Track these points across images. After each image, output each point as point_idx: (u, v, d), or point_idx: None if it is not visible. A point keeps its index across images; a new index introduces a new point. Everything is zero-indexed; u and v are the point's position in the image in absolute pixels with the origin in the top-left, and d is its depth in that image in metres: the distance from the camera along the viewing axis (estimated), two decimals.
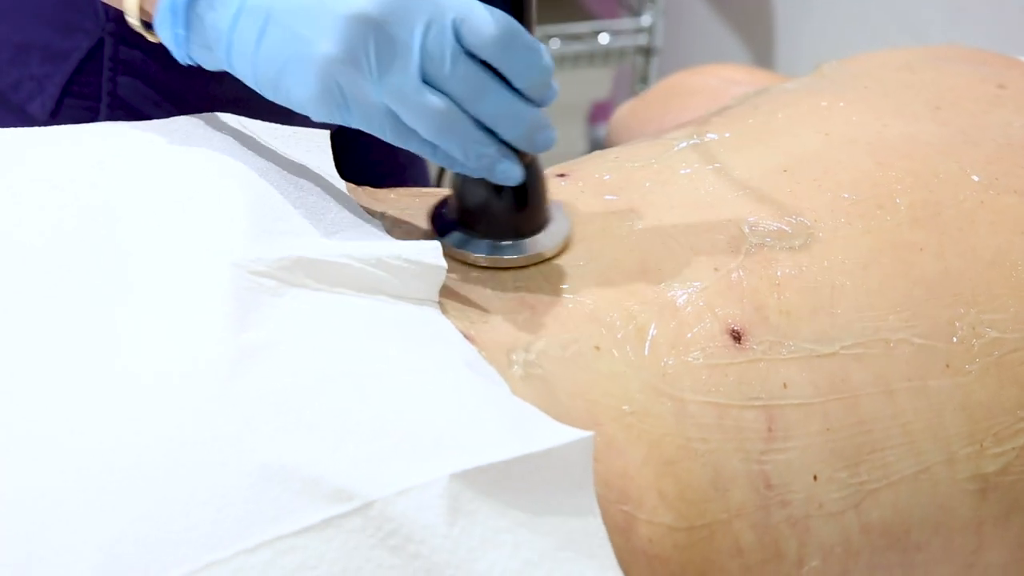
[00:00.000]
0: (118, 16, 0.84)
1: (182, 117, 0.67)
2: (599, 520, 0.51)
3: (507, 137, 0.60)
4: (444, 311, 0.59)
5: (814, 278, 0.63)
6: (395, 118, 0.59)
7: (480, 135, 0.59)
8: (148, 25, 0.66)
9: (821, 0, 1.89)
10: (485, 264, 0.64)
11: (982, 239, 0.65)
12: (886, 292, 0.63)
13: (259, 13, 0.58)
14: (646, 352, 0.60)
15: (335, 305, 0.56)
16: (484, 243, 0.64)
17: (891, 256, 0.64)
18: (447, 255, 0.61)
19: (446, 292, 0.60)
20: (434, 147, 0.60)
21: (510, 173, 0.61)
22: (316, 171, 0.66)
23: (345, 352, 0.53)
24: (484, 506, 0.48)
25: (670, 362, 0.60)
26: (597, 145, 2.02)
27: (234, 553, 0.45)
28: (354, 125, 0.60)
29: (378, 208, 0.67)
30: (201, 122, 0.67)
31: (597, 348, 0.59)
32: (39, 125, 0.76)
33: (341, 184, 0.67)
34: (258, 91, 0.61)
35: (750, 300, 0.62)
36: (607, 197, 0.68)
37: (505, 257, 0.64)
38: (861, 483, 0.60)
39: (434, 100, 0.57)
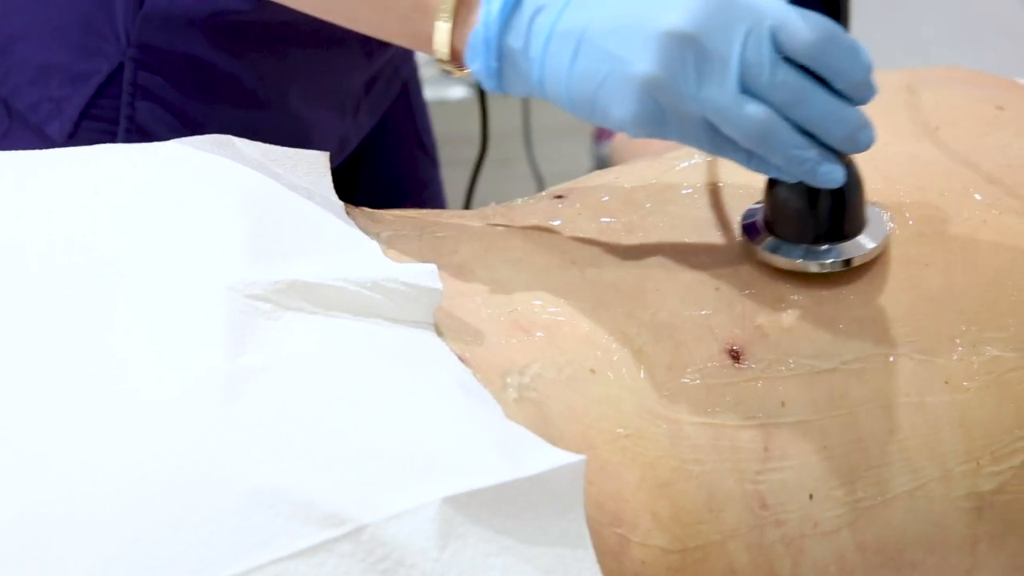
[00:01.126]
0: (140, 41, 0.87)
1: (183, 139, 0.68)
2: (588, 545, 0.51)
3: (829, 140, 0.60)
4: (440, 333, 0.59)
5: (818, 292, 0.63)
6: (713, 129, 0.59)
7: (801, 140, 0.59)
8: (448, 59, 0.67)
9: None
10: (799, 270, 0.63)
11: (985, 257, 0.66)
12: (890, 306, 0.63)
13: (571, 37, 0.59)
14: (641, 375, 0.60)
15: (330, 329, 0.56)
16: (799, 248, 0.64)
17: (897, 270, 0.64)
18: (761, 261, 0.63)
19: (442, 314, 0.60)
20: (750, 154, 0.60)
21: (833, 176, 0.60)
22: (314, 193, 0.66)
23: (339, 376, 0.53)
24: (475, 530, 0.48)
25: (666, 384, 0.60)
26: (602, 163, 2.02)
27: None
28: (671, 139, 0.61)
29: (375, 229, 0.67)
30: (202, 144, 0.67)
31: (592, 371, 0.60)
32: (56, 147, 0.76)
33: (339, 206, 0.67)
34: (572, 112, 0.61)
35: (751, 319, 0.62)
36: (604, 219, 0.68)
37: (822, 262, 0.63)
38: (857, 501, 0.60)
39: (754, 110, 0.57)
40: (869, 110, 0.80)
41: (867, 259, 0.64)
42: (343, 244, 0.62)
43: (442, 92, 1.75)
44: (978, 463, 0.62)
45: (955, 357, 0.62)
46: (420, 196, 1.20)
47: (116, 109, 0.89)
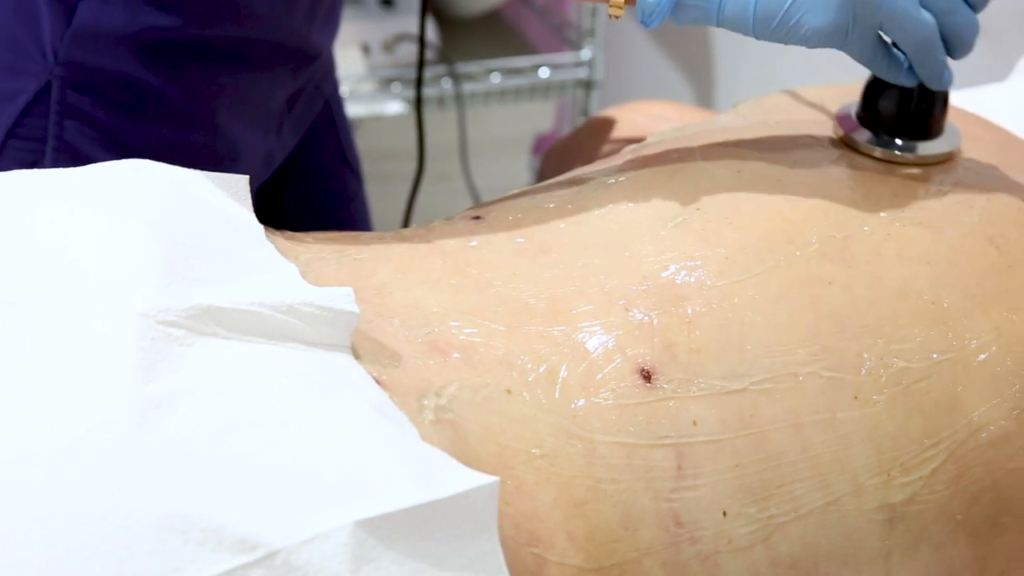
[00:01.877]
0: (67, 59, 0.87)
1: (99, 164, 0.68)
2: (503, 566, 0.51)
3: (959, 46, 0.72)
4: (357, 356, 0.60)
5: (724, 315, 0.64)
6: (881, 41, 0.71)
7: (942, 46, 0.71)
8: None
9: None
10: (901, 160, 0.75)
11: (889, 270, 0.67)
12: (795, 326, 0.64)
13: None
14: (556, 395, 0.61)
15: (244, 354, 0.56)
16: (894, 143, 0.76)
17: (800, 291, 0.65)
18: (861, 152, 0.76)
19: (359, 337, 0.61)
20: (894, 63, 0.72)
21: (950, 79, 0.74)
22: (234, 216, 0.66)
23: (252, 401, 0.53)
24: (388, 553, 0.49)
25: (580, 404, 0.60)
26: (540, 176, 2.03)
27: None
28: (847, 50, 0.70)
29: (294, 252, 0.67)
30: (119, 169, 0.67)
31: (508, 391, 0.60)
32: None
33: (259, 229, 0.67)
34: (747, 30, 0.69)
35: (660, 339, 0.63)
36: (519, 240, 0.69)
37: (925, 154, 0.75)
38: (770, 517, 0.61)
39: (927, 16, 0.69)
40: (779, 125, 0.82)
41: (948, 157, 0.76)
42: (260, 268, 0.62)
43: (378, 108, 1.75)
44: (889, 475, 0.63)
45: (863, 372, 0.63)
46: (347, 210, 1.21)
47: (43, 128, 0.89)
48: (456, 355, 0.61)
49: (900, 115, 0.76)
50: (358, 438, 0.52)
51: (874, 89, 0.77)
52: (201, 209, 0.65)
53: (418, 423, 0.57)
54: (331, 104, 1.17)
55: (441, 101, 1.79)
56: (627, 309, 0.64)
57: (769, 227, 0.68)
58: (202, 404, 0.52)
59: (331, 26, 1.06)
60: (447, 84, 1.78)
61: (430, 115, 1.81)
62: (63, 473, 0.48)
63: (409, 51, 1.81)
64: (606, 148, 1.03)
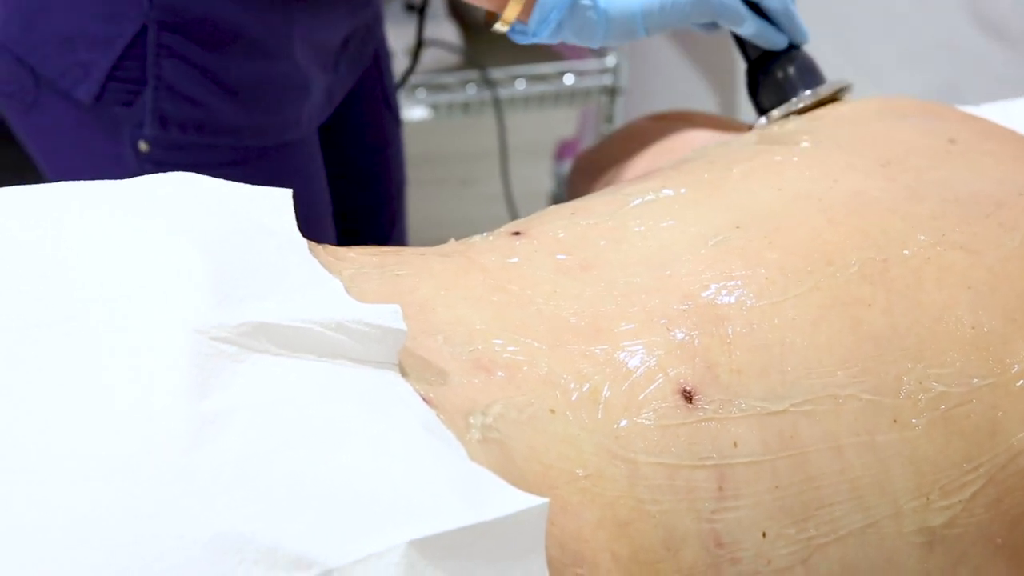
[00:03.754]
0: (161, 4, 0.95)
1: (148, 176, 0.68)
2: None
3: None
4: (404, 374, 0.60)
5: (764, 336, 0.65)
6: (756, 8, 0.88)
7: None
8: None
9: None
10: (803, 107, 0.88)
11: (928, 295, 0.67)
12: (835, 348, 0.65)
13: None
14: (599, 415, 0.61)
15: (295, 371, 0.57)
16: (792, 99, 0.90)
17: (840, 312, 0.66)
18: (774, 123, 0.87)
19: (405, 354, 0.61)
20: (765, 24, 0.90)
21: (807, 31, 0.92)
22: (278, 231, 0.67)
23: (304, 419, 0.54)
24: (438, 574, 0.49)
25: (623, 424, 0.61)
26: (562, 182, 2.04)
27: None
28: (720, 18, 0.87)
29: (338, 268, 0.68)
30: (166, 182, 0.68)
31: (552, 411, 0.61)
32: (84, 109, 0.96)
33: (303, 244, 0.68)
34: (636, 25, 0.85)
35: (702, 359, 0.63)
36: (559, 256, 0.69)
37: (824, 94, 0.89)
38: (809, 539, 0.62)
39: None
40: (820, 144, 0.82)
41: (841, 89, 0.90)
42: (307, 284, 0.63)
43: (403, 113, 1.75)
44: (928, 499, 0.63)
45: (902, 395, 0.64)
46: (384, 153, 1.31)
47: (141, 69, 0.96)
48: (500, 373, 0.62)
49: (786, 78, 0.89)
50: (409, 457, 0.53)
51: (754, 78, 0.91)
52: (247, 224, 0.66)
53: (465, 442, 0.57)
54: (379, 51, 1.25)
55: (466, 107, 1.80)
56: (668, 328, 0.64)
57: (809, 247, 0.69)
58: (255, 421, 0.53)
59: None
60: (472, 90, 1.78)
61: (455, 120, 1.82)
62: (117, 491, 0.49)
63: (434, 57, 1.82)
64: (639, 159, 1.03)
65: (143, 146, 1.00)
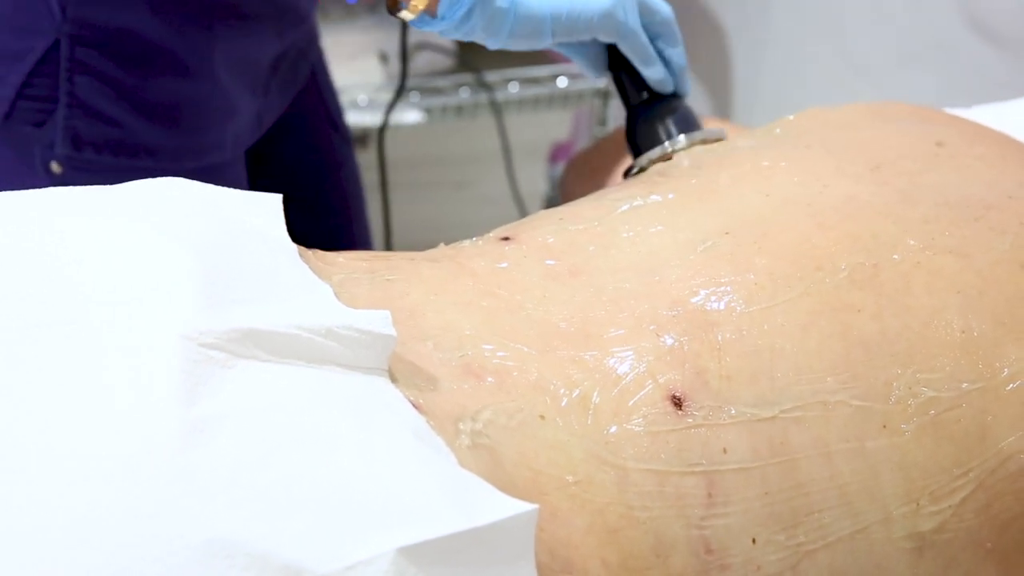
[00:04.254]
0: (75, 16, 0.90)
1: (136, 182, 0.68)
2: None
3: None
4: (393, 379, 0.60)
5: (754, 342, 0.65)
6: (646, 36, 0.88)
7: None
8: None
9: (778, 45, 1.92)
10: (683, 147, 0.87)
11: (918, 299, 0.67)
12: (824, 354, 0.65)
13: None
14: (589, 421, 0.61)
15: (285, 377, 0.57)
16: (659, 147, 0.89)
17: (829, 318, 0.66)
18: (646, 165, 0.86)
19: (395, 359, 0.61)
20: (658, 63, 0.90)
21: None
22: (267, 236, 0.67)
23: (294, 425, 0.54)
24: None
25: (612, 430, 0.61)
26: (556, 184, 2.04)
27: None
28: (620, 39, 0.86)
29: (327, 273, 0.68)
30: (157, 186, 0.68)
31: (542, 417, 0.61)
32: None
33: (293, 249, 0.68)
34: (544, 31, 0.83)
35: (691, 365, 0.63)
36: (548, 262, 0.69)
37: (704, 138, 0.88)
38: (798, 545, 0.62)
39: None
40: (809, 148, 0.82)
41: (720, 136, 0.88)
42: (296, 289, 0.63)
43: (396, 116, 1.75)
44: (918, 504, 0.63)
45: (892, 400, 0.64)
46: (337, 176, 1.27)
47: (53, 86, 0.91)
48: (490, 379, 0.62)
49: (664, 126, 0.89)
50: (399, 463, 0.53)
51: (634, 121, 0.92)
52: (236, 228, 0.66)
53: (455, 448, 0.57)
54: (316, 71, 1.21)
55: (459, 110, 1.80)
56: (658, 334, 0.64)
57: (797, 252, 0.69)
58: (245, 427, 0.53)
59: None
60: (465, 93, 1.78)
61: (449, 124, 1.82)
62: (107, 497, 0.49)
63: (427, 60, 1.82)
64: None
65: (55, 167, 0.96)
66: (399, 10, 0.80)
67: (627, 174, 0.90)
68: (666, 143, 0.88)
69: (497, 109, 1.81)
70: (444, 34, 0.82)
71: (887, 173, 0.76)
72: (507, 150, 1.85)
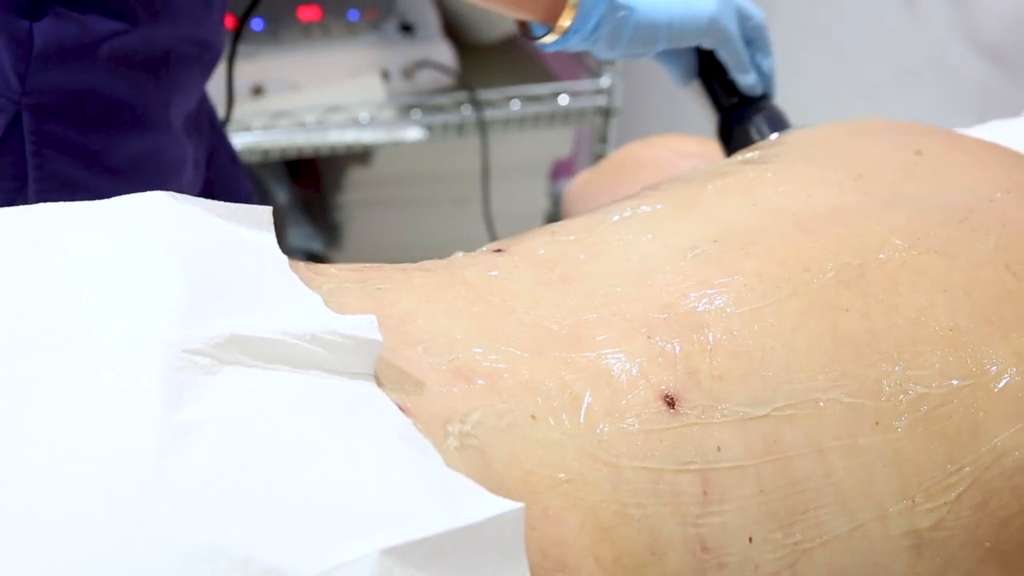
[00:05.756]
0: (34, 86, 0.87)
1: (127, 196, 0.68)
2: None
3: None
4: (380, 384, 0.60)
5: (745, 342, 0.65)
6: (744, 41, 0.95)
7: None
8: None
9: (776, 62, 1.92)
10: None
11: (905, 298, 0.67)
12: (814, 353, 0.64)
13: None
14: (582, 420, 0.61)
15: (269, 382, 0.56)
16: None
17: (818, 318, 0.66)
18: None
19: (383, 365, 0.61)
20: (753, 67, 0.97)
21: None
22: (257, 247, 0.67)
23: (277, 430, 0.54)
24: None
25: (605, 429, 0.61)
26: (558, 201, 2.04)
27: None
28: (721, 46, 0.92)
29: (317, 283, 0.68)
30: (148, 198, 0.68)
31: (533, 417, 0.60)
32: None
33: (283, 260, 0.68)
34: (660, 35, 0.88)
35: (683, 366, 0.63)
36: (540, 270, 0.70)
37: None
38: (796, 543, 0.61)
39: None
40: (793, 163, 0.83)
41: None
42: (284, 298, 0.63)
43: (397, 134, 1.76)
44: (913, 501, 0.63)
45: (883, 397, 0.64)
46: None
47: (20, 164, 0.88)
48: (480, 382, 0.62)
49: (757, 127, 0.95)
50: (383, 466, 0.53)
51: (728, 125, 0.97)
52: (225, 239, 0.66)
53: (443, 450, 0.57)
54: (211, 112, 1.20)
55: (461, 127, 1.80)
56: (649, 336, 0.64)
57: (785, 255, 0.69)
58: (228, 433, 0.53)
59: (223, 23, 1.09)
60: (467, 111, 1.79)
61: (449, 141, 1.82)
62: (89, 503, 0.49)
63: (429, 77, 1.82)
64: (632, 183, 1.04)
65: None
66: (537, 36, 0.86)
67: None
68: (761, 143, 0.91)
69: (498, 127, 1.82)
70: (571, 48, 0.86)
71: (869, 182, 0.77)
72: (509, 167, 1.85)
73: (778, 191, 0.75)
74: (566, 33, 0.84)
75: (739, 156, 0.87)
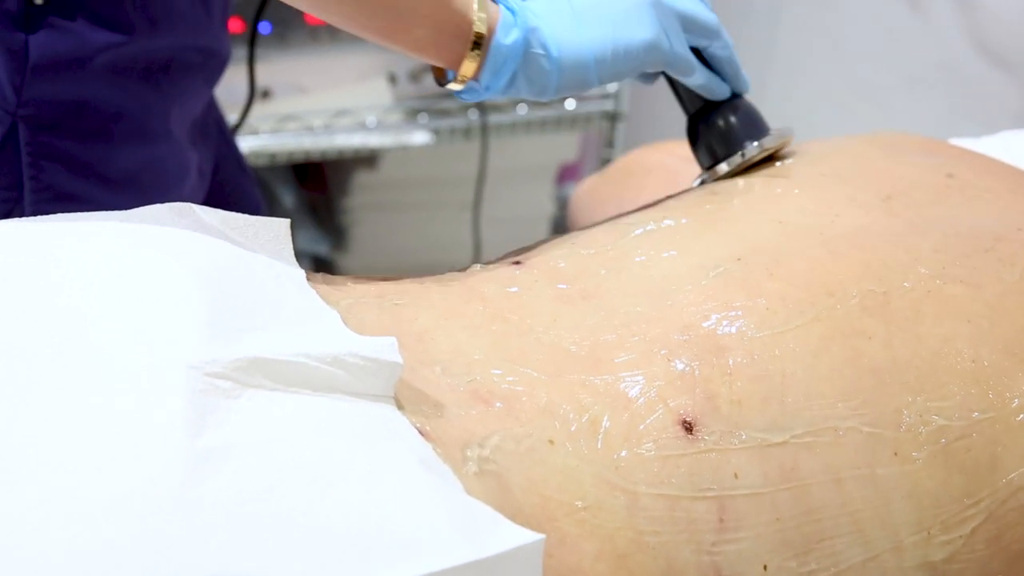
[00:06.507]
0: (30, 98, 0.87)
1: (143, 208, 0.68)
2: None
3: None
4: (400, 406, 0.60)
5: (765, 367, 0.64)
6: (692, 52, 0.84)
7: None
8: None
9: (782, 68, 1.92)
10: (752, 160, 0.84)
11: (928, 328, 0.67)
12: (835, 380, 0.64)
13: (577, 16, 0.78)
14: (599, 445, 0.61)
15: (291, 406, 0.56)
16: (735, 156, 0.85)
17: (840, 344, 0.65)
18: (725, 176, 0.84)
19: (402, 385, 0.61)
20: (711, 75, 0.86)
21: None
22: (275, 262, 0.67)
23: (300, 455, 0.53)
24: None
25: (623, 455, 0.60)
26: (564, 204, 2.04)
27: None
28: (670, 67, 0.82)
29: (335, 298, 0.68)
30: (162, 213, 0.67)
31: (551, 442, 0.60)
32: None
33: (301, 275, 0.67)
34: (590, 75, 0.78)
35: (702, 390, 0.63)
36: (560, 286, 0.69)
37: (769, 145, 0.85)
38: (811, 572, 0.61)
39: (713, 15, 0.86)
40: (823, 177, 0.82)
41: (786, 141, 0.86)
42: (303, 316, 0.62)
43: (404, 138, 1.75)
44: (929, 533, 0.63)
45: (903, 428, 0.63)
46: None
47: (16, 174, 0.88)
48: (499, 404, 0.61)
49: (729, 129, 0.86)
50: (405, 494, 0.53)
51: (695, 129, 0.88)
52: (243, 255, 0.65)
53: (462, 475, 0.57)
54: (219, 119, 1.19)
55: (468, 132, 1.80)
56: (669, 359, 0.64)
57: (809, 278, 0.68)
58: (251, 458, 0.52)
59: (226, 30, 1.09)
60: (474, 115, 1.78)
61: (456, 145, 1.82)
62: (112, 529, 0.49)
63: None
64: (639, 190, 1.03)
65: None
66: (448, 81, 0.78)
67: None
68: (739, 153, 0.84)
69: (505, 131, 1.81)
70: (493, 99, 0.81)
71: (898, 204, 0.76)
72: (514, 171, 1.85)
73: (806, 209, 0.75)
74: (478, 89, 0.77)
75: (763, 171, 0.85)
